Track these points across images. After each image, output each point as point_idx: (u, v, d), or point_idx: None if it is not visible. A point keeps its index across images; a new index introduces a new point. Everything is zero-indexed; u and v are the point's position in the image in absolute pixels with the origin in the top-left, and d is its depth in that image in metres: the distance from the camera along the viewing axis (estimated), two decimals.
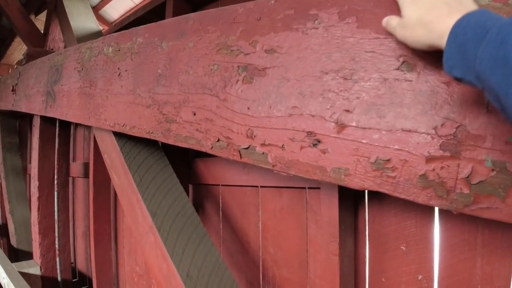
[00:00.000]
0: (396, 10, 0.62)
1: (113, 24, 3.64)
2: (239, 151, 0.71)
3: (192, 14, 0.89)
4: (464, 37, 0.41)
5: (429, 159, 0.58)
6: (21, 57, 4.66)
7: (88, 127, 2.68)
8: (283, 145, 0.66)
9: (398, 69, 0.60)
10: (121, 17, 3.54)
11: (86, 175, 2.61)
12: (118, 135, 1.43)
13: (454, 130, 0.55)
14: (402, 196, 0.58)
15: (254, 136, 0.69)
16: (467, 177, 0.54)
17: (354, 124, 0.60)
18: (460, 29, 0.43)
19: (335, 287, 1.18)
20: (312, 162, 0.63)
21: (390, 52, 0.61)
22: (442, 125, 0.58)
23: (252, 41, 0.73)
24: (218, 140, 0.75)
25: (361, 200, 1.27)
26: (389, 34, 0.61)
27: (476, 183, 0.54)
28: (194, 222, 1.34)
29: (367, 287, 1.24)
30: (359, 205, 1.27)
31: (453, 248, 1.08)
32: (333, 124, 0.62)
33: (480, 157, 0.54)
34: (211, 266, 1.28)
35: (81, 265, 2.92)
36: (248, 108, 0.71)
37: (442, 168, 0.57)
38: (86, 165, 2.61)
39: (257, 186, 1.54)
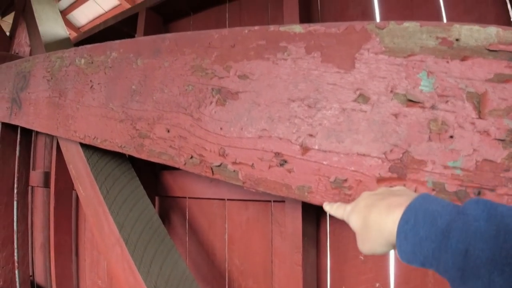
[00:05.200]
0: (356, 47, 0.70)
1: (81, 30, 3.57)
2: (212, 168, 0.76)
3: (168, 35, 0.94)
4: (416, 237, 0.39)
5: (380, 179, 0.65)
6: None
7: (51, 135, 2.61)
8: (252, 164, 0.72)
9: (355, 100, 0.68)
10: (89, 22, 3.49)
11: (46, 184, 2.52)
12: (85, 145, 1.43)
13: (401, 155, 0.63)
14: None
15: (226, 155, 0.74)
16: None
17: (316, 147, 0.67)
18: (409, 226, 0.41)
19: None
20: (279, 180, 0.70)
21: (348, 85, 0.69)
22: (391, 150, 0.66)
23: (226, 66, 0.79)
24: (191, 157, 0.79)
25: (323, 213, 1.35)
26: (349, 68, 0.70)
27: None
28: (161, 234, 1.36)
29: None
30: (321, 217, 1.35)
31: None
32: (298, 146, 0.68)
33: (422, 179, 0.63)
34: (178, 277, 1.30)
35: (39, 278, 2.79)
36: (221, 129, 0.76)
37: (390, 187, 0.65)
38: (46, 174, 2.53)
39: (224, 199, 1.58)
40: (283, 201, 1.36)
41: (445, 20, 1.20)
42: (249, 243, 1.52)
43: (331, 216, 1.34)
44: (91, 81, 1.13)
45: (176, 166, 0.83)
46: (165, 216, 1.77)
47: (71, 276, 2.23)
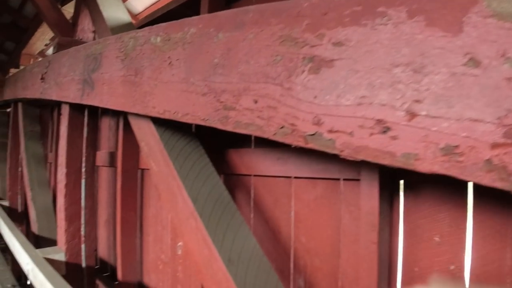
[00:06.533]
0: (462, 11, 0.66)
1: (137, 17, 3.68)
2: (305, 137, 0.76)
3: (251, 7, 0.93)
4: None
5: (494, 145, 0.62)
6: (43, 47, 4.73)
7: (115, 117, 2.74)
8: (351, 131, 0.70)
9: (465, 65, 0.64)
10: (146, 9, 3.59)
11: (111, 164, 2.66)
12: (157, 123, 1.48)
13: None
14: (468, 179, 0.62)
15: (321, 123, 0.73)
16: None
17: (424, 113, 0.64)
18: None
19: (373, 275, 1.23)
20: (381, 147, 0.68)
21: (457, 49, 0.65)
22: (505, 116, 0.62)
23: (318, 34, 0.77)
24: (282, 127, 0.79)
25: (396, 192, 1.32)
26: (456, 32, 0.65)
27: None
28: (232, 209, 1.39)
29: (399, 276, 1.29)
30: (394, 196, 1.32)
31: (485, 239, 1.12)
32: (403, 113, 0.66)
33: None
34: (249, 252, 1.32)
35: (102, 253, 2.98)
36: (315, 97, 0.75)
37: (505, 153, 0.61)
38: (111, 154, 2.66)
39: (290, 177, 1.58)
40: (354, 180, 1.34)
41: None
42: (316, 222, 1.52)
43: (406, 194, 1.31)
44: (169, 57, 1.16)
45: (265, 136, 0.83)
46: (230, 194, 1.80)
47: (136, 251, 2.36)
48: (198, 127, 1.80)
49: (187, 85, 1.05)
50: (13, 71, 4.18)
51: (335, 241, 1.45)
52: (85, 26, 2.73)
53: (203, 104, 0.98)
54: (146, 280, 2.47)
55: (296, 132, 0.77)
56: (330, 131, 0.72)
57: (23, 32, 4.95)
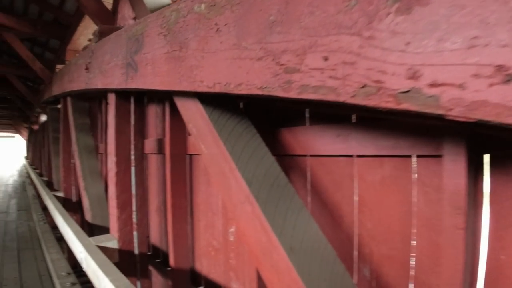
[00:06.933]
0: None
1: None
2: (396, 96, 0.60)
3: None
4: None
5: None
6: (87, 42, 4.83)
7: (161, 104, 2.70)
8: (462, 83, 0.53)
9: None
10: None
11: (159, 151, 2.63)
12: (205, 102, 1.37)
13: None
14: None
15: (418, 76, 0.57)
16: None
17: None
18: None
19: (459, 265, 1.05)
20: (505, 102, 0.50)
21: None
22: None
23: None
24: (364, 86, 0.64)
25: (480, 169, 1.11)
26: None
27: None
28: (290, 192, 1.26)
29: (484, 265, 1.09)
30: (478, 174, 1.12)
31: None
32: None
33: None
34: (312, 239, 1.19)
35: (154, 239, 3.00)
36: (407, 44, 0.58)
37: None
38: (159, 141, 2.64)
39: (352, 156, 1.42)
40: (432, 156, 1.15)
41: None
42: (383, 205, 1.35)
43: (492, 171, 1.10)
44: (216, 24, 1.03)
45: (340, 100, 0.68)
46: None
47: (187, 237, 2.32)
48: (246, 106, 1.68)
49: (239, 51, 0.92)
50: (59, 67, 4.31)
51: (405, 226, 1.28)
52: (125, 13, 2.70)
53: (259, 70, 0.85)
54: (198, 266, 2.43)
55: (384, 90, 0.61)
56: (432, 85, 0.56)
57: (66, 29, 5.10)
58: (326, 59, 0.70)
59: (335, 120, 1.45)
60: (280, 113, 1.67)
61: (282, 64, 0.79)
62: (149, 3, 2.26)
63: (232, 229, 2.05)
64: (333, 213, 1.52)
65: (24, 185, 10.95)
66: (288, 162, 1.63)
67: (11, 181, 13.20)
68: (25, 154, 17.23)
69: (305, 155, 1.57)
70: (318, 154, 1.52)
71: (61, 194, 4.17)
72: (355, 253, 1.46)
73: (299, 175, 1.62)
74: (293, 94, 0.75)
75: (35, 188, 7.09)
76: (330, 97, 0.69)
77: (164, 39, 1.36)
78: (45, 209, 5.15)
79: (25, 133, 17.84)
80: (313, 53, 0.72)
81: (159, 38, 1.41)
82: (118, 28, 2.45)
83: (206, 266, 2.35)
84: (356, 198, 1.44)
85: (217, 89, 1.00)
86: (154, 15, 1.52)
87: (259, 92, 0.85)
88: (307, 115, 1.58)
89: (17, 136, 27.03)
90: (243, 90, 0.90)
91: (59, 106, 4.44)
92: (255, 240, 1.17)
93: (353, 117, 1.40)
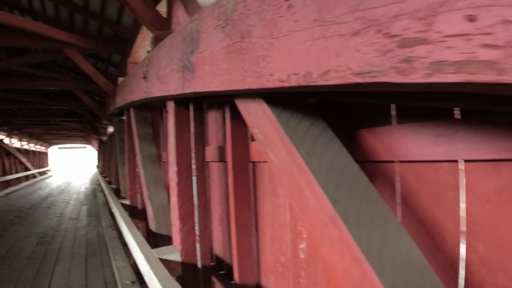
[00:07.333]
0: None
1: None
2: None
3: None
4: None
5: None
6: (146, 54, 4.94)
7: (221, 109, 2.56)
8: None
9: None
10: None
11: (221, 158, 2.50)
12: (271, 102, 1.16)
13: None
14: None
15: None
16: None
17: None
18: None
19: None
20: None
21: None
22: None
23: None
24: None
25: None
26: None
27: None
28: (383, 210, 0.99)
29: None
30: None
31: None
32: None
33: None
34: (417, 271, 0.91)
35: (218, 250, 2.87)
36: None
37: None
38: (220, 149, 2.50)
39: (457, 161, 1.11)
40: None
41: None
42: (501, 223, 1.03)
43: None
44: (285, 0, 0.81)
45: (504, 80, 0.41)
46: None
47: (252, 250, 2.13)
48: (317, 104, 1.43)
49: (323, 28, 0.69)
50: (121, 80, 4.44)
51: None
52: (180, 17, 2.61)
53: (357, 49, 0.61)
54: (264, 282, 2.23)
55: None
56: None
57: (125, 42, 5.25)
58: (472, 19, 0.44)
59: (431, 116, 1.15)
60: (358, 110, 1.40)
61: (394, 36, 0.54)
62: (203, 3, 2.13)
63: (302, 245, 1.82)
64: (432, 232, 1.22)
65: (95, 192, 11.74)
66: (371, 169, 1.35)
67: (83, 188, 14.27)
68: (96, 163, 18.55)
69: (392, 161, 1.29)
70: (410, 160, 1.23)
71: (127, 202, 4.28)
72: (461, 282, 1.15)
73: (385, 185, 1.34)
74: (417, 78, 0.51)
75: (104, 195, 7.48)
76: (486, 76, 0.43)
77: (222, 31, 1.18)
78: (113, 215, 5.35)
79: (95, 143, 19.30)
80: (447, 13, 0.47)
81: (216, 31, 1.23)
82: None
83: (273, 284, 2.14)
84: (463, 214, 1.13)
85: (293, 82, 0.78)
86: (209, 8, 1.35)
87: (358, 80, 0.61)
88: (393, 112, 1.29)
89: (88, 146, 29.46)
90: (332, 80, 0.66)
91: (124, 117, 4.58)
92: (344, 274, 0.92)
93: (456, 112, 1.10)
